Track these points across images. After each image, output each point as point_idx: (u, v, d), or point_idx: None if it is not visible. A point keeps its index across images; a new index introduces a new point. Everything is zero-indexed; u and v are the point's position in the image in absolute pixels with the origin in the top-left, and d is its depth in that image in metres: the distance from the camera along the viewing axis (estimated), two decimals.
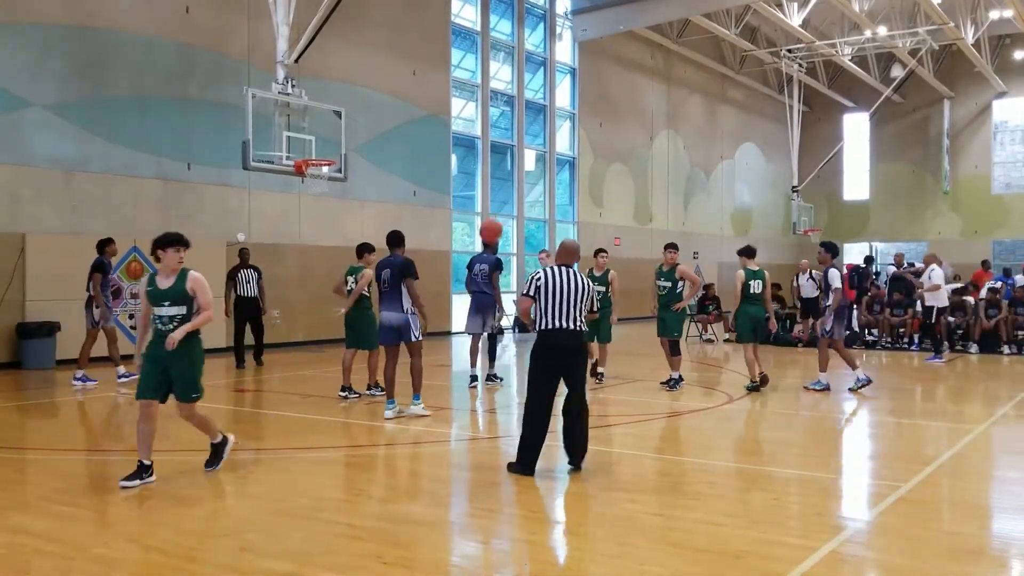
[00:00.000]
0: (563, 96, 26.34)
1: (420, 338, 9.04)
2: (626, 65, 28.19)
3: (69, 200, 14.19)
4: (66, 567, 4.58)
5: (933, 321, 14.99)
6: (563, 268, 6.71)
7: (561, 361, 6.62)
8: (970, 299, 17.65)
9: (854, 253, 37.53)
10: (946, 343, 15.58)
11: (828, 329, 11.08)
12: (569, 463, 6.67)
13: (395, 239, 9.18)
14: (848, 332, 11.74)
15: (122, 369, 11.71)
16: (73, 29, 14.24)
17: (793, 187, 31.55)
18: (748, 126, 35.11)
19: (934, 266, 14.92)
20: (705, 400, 10.74)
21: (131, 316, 14.83)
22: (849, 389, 11.06)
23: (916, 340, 17.19)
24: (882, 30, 27.34)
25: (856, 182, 38.01)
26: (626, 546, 4.92)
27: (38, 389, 11.60)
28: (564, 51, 26.33)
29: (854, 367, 11.18)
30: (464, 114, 22.97)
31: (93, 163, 14.51)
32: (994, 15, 27.87)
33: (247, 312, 13.92)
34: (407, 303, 8.90)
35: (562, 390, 6.72)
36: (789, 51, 29.79)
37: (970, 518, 5.75)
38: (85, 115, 14.35)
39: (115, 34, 14.76)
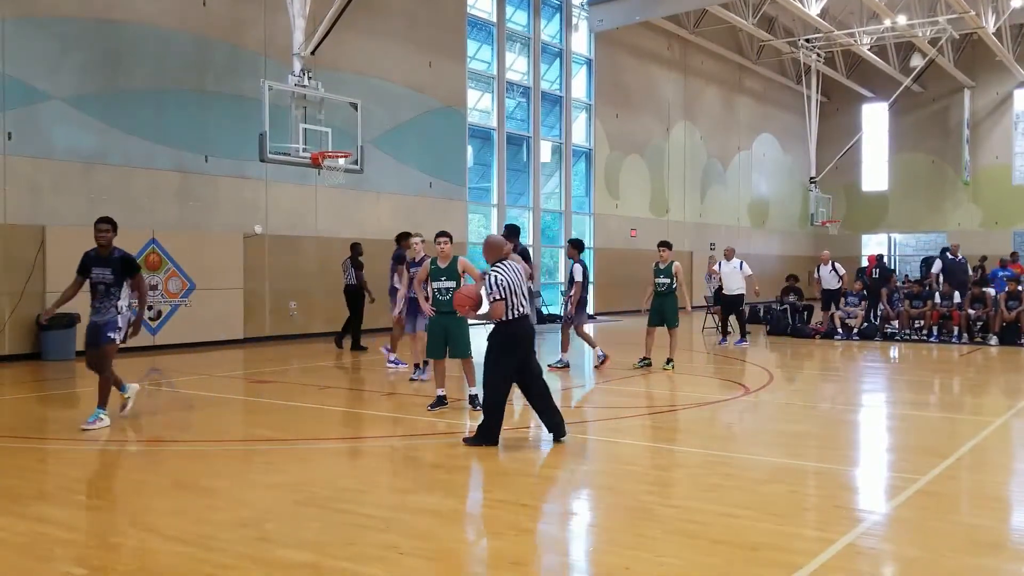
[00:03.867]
0: (579, 87, 26.25)
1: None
2: (642, 56, 28.05)
3: (88, 192, 14.30)
4: (86, 555, 4.63)
5: (740, 308, 16.93)
6: (506, 263, 7.39)
7: (526, 346, 7.34)
8: (991, 291, 17.51)
9: (872, 244, 37.29)
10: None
11: (570, 316, 12.50)
12: (556, 439, 7.30)
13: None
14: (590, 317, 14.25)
15: (393, 356, 12.46)
16: (91, 22, 14.31)
17: (811, 178, 31.31)
18: (765, 117, 34.87)
19: (737, 259, 16.87)
20: (722, 392, 10.72)
21: (150, 307, 14.92)
22: (594, 367, 12.41)
23: (935, 331, 17.09)
24: (901, 19, 27.03)
25: (875, 173, 37.64)
26: (642, 537, 4.92)
27: (58, 380, 11.71)
28: (580, 42, 26.23)
29: (593, 346, 12.79)
30: (480, 105, 22.94)
31: (111, 155, 14.60)
32: (1016, 3, 27.44)
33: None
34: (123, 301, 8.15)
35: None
36: (807, 41, 29.50)
37: (989, 511, 5.71)
38: (103, 107, 14.44)
39: (132, 27, 14.84)
